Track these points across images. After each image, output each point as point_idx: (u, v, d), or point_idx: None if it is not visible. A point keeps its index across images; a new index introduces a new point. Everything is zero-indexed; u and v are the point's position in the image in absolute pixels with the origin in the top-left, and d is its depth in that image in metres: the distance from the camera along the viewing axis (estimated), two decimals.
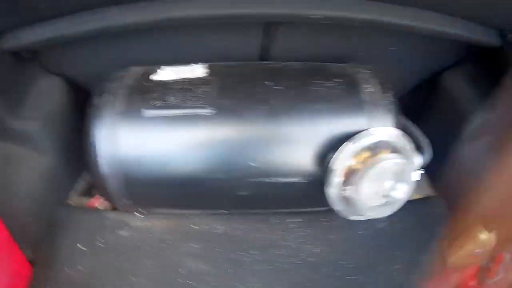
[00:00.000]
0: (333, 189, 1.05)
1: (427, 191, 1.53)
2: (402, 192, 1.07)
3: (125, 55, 1.37)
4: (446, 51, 1.42)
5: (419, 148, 1.17)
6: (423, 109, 1.57)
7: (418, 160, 1.12)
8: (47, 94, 1.34)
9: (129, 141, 1.10)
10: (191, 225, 1.32)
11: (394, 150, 1.04)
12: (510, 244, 1.22)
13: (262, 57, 1.41)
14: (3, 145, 1.22)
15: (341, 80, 1.16)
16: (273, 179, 1.12)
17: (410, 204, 1.44)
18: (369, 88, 1.15)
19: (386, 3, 1.17)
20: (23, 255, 1.22)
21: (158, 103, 1.11)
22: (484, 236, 1.21)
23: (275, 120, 1.10)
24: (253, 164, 1.10)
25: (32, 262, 1.25)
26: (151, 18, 1.14)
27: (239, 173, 1.11)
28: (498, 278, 1.22)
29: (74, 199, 1.46)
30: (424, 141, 1.18)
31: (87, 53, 1.35)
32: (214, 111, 1.09)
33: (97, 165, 1.11)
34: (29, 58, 1.29)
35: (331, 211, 1.36)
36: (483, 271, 1.19)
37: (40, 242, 1.29)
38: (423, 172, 1.16)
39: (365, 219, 1.13)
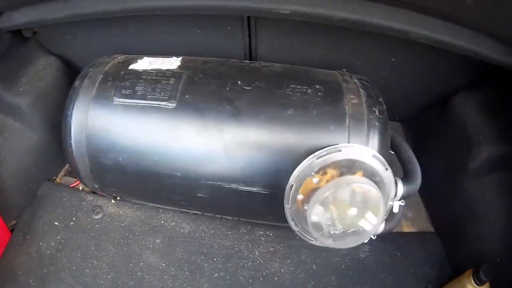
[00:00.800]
0: (290, 207, 0.96)
1: (424, 226, 1.37)
2: (370, 224, 0.94)
3: (117, 43, 1.39)
4: (460, 71, 1.26)
5: (407, 175, 1.04)
6: (430, 135, 1.41)
7: (399, 188, 0.99)
8: (43, 72, 1.41)
9: (97, 125, 1.11)
10: (160, 220, 1.32)
11: (367, 173, 0.93)
12: None
13: (249, 57, 1.35)
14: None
15: (321, 87, 1.07)
16: (232, 185, 1.06)
17: (401, 238, 1.32)
18: (354, 100, 1.04)
19: (397, 7, 1.04)
20: (4, 222, 1.29)
21: (127, 92, 1.10)
22: None
23: (237, 122, 1.04)
24: (210, 166, 1.05)
25: (11, 230, 1.33)
26: (140, 5, 1.14)
27: (195, 173, 1.07)
28: None
29: (60, 178, 1.52)
30: (415, 168, 1.05)
31: (84, 37, 1.40)
32: (174, 105, 1.06)
33: (70, 146, 1.13)
34: (29, 38, 1.36)
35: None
36: None
37: (22, 213, 1.36)
38: (403, 204, 1.03)
39: (331, 245, 1.01)
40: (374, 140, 1.00)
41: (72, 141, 1.13)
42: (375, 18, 1.04)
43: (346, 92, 1.07)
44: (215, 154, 1.05)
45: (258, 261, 1.23)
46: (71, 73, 1.45)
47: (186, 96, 1.07)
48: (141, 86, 1.10)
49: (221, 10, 1.09)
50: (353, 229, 0.94)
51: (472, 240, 1.19)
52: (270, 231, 1.29)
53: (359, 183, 0.91)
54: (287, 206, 0.98)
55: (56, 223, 1.33)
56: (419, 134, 1.45)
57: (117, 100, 1.09)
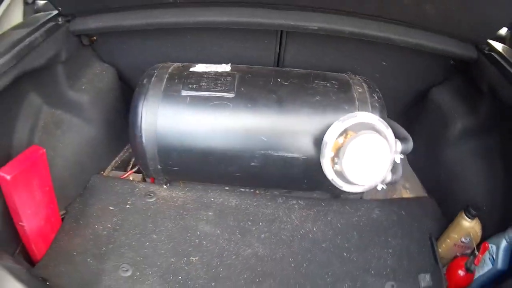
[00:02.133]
0: (326, 160, 1.33)
1: (420, 192, 1.76)
2: (383, 167, 1.32)
3: (163, 54, 1.72)
4: (435, 69, 1.73)
5: (402, 139, 1.43)
6: (416, 123, 1.86)
7: (398, 144, 1.38)
8: (100, 75, 1.70)
9: (166, 114, 1.42)
10: (210, 198, 1.59)
11: (375, 130, 1.33)
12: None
13: (277, 64, 1.77)
14: (57, 111, 1.54)
15: (336, 82, 1.52)
16: (279, 153, 1.43)
17: (403, 201, 1.70)
18: (359, 89, 1.50)
19: (369, 20, 1.52)
20: (58, 209, 1.47)
21: (193, 86, 1.44)
22: (467, 223, 1.44)
23: (281, 106, 1.44)
24: (264, 139, 1.41)
25: (62, 218, 1.50)
26: (185, 20, 1.51)
27: (252, 145, 1.43)
28: None
29: (108, 172, 1.75)
30: (406, 133, 1.45)
31: (133, 49, 1.73)
32: (233, 95, 1.43)
33: (140, 132, 1.42)
34: (87, 46, 1.66)
35: (330, 198, 1.63)
36: (471, 260, 1.37)
37: (72, 202, 1.56)
38: (403, 157, 1.42)
39: (354, 190, 1.38)
40: (376, 114, 1.41)
41: (143, 128, 1.42)
42: (372, 31, 1.52)
43: (353, 85, 1.52)
44: (265, 130, 1.43)
45: (295, 224, 1.53)
46: (122, 80, 1.74)
47: (242, 88, 1.44)
48: (204, 82, 1.45)
49: (265, 25, 1.52)
50: (373, 172, 1.33)
51: (459, 196, 1.57)
52: (301, 200, 1.62)
53: (370, 135, 1.31)
54: (323, 159, 1.34)
55: (111, 208, 1.54)
56: (409, 125, 1.89)
57: (185, 93, 1.42)
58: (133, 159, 1.81)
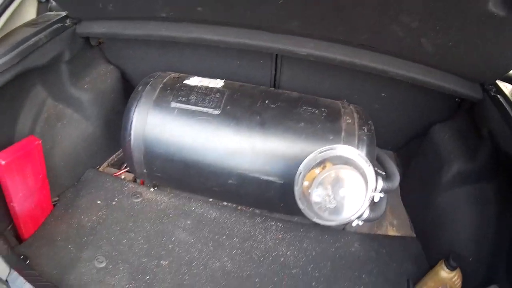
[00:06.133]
0: (298, 188, 1.42)
1: (407, 231, 1.81)
2: (357, 204, 1.39)
3: (165, 63, 1.91)
4: (437, 106, 1.77)
5: (387, 176, 1.48)
6: (414, 159, 1.90)
7: (379, 183, 1.43)
8: (104, 76, 1.91)
9: (154, 123, 1.59)
10: (191, 207, 1.75)
11: (354, 165, 1.39)
12: None
13: (273, 85, 1.89)
14: (60, 106, 1.75)
15: (325, 109, 1.59)
16: (256, 175, 1.54)
17: (385, 239, 1.76)
18: (348, 120, 1.55)
19: (362, 50, 1.58)
20: (50, 195, 1.68)
21: (182, 99, 1.60)
22: (446, 274, 1.48)
23: (264, 129, 1.54)
24: (240, 159, 1.54)
25: (53, 205, 1.72)
26: (181, 35, 1.67)
27: (230, 164, 1.55)
28: None
29: (103, 168, 1.96)
30: (393, 171, 1.49)
31: (141, 54, 1.92)
32: (219, 112, 1.56)
33: (130, 136, 1.60)
34: (94, 47, 1.87)
35: (310, 225, 1.72)
36: None
37: (65, 191, 1.77)
38: (383, 195, 1.46)
39: (324, 223, 1.45)
40: (362, 149, 1.49)
41: (132, 132, 1.60)
42: (363, 61, 1.58)
43: (343, 115, 1.59)
44: (245, 150, 1.55)
45: (268, 245, 1.65)
46: (125, 82, 1.95)
47: (228, 107, 1.58)
48: (193, 96, 1.60)
49: (259, 48, 1.64)
50: (342, 205, 1.39)
51: (445, 242, 1.61)
52: (280, 222, 1.73)
53: (346, 169, 1.37)
54: (296, 187, 1.43)
55: (98, 202, 1.75)
56: (406, 159, 1.93)
57: (174, 104, 1.59)
58: None
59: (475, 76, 1.57)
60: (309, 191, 1.41)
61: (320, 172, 1.41)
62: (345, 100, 1.71)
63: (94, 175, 1.86)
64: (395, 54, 1.56)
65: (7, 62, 1.38)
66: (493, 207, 1.51)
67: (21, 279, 1.17)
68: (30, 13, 1.61)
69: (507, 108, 1.44)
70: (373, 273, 1.61)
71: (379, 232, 1.80)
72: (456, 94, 1.61)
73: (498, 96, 1.52)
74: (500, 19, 1.22)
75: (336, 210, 1.39)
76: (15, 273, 1.18)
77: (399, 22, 1.35)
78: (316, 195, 1.38)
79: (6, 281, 1.15)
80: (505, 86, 1.56)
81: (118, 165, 2.00)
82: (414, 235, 1.80)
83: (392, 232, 1.80)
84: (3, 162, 1.40)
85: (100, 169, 1.94)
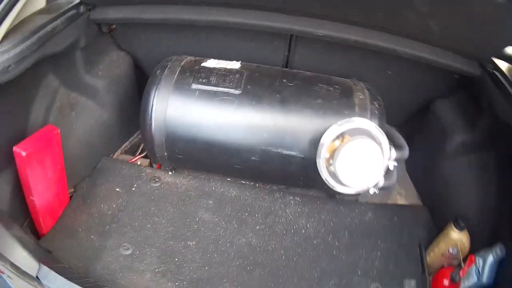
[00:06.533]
0: (321, 160, 1.52)
1: (414, 200, 1.94)
2: (376, 172, 1.51)
3: (178, 47, 1.94)
4: (439, 82, 1.90)
5: (397, 147, 1.60)
6: (417, 132, 2.04)
7: (392, 152, 1.55)
8: (117, 63, 1.93)
9: (176, 105, 1.64)
10: (211, 187, 1.81)
11: (370, 136, 1.51)
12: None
13: (286, 66, 1.97)
14: (73, 94, 1.75)
15: (339, 87, 1.71)
16: (279, 150, 1.63)
17: (396, 207, 1.87)
18: (360, 96, 1.67)
19: (375, 31, 1.69)
20: (67, 187, 1.68)
21: (203, 80, 1.65)
22: (455, 234, 1.59)
23: (284, 106, 1.63)
24: (265, 135, 1.62)
25: (70, 196, 1.72)
26: (200, 18, 1.72)
27: (253, 141, 1.64)
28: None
29: (117, 156, 1.98)
30: (402, 141, 1.63)
31: (150, 39, 1.94)
32: (240, 92, 1.63)
33: (150, 120, 1.64)
34: (106, 33, 1.88)
35: (325, 198, 1.81)
36: (456, 271, 1.51)
37: (81, 182, 1.78)
38: (396, 164, 1.58)
39: (346, 192, 1.56)
40: (375, 122, 1.59)
41: (153, 115, 1.64)
42: (376, 41, 1.69)
43: (355, 91, 1.70)
44: (267, 127, 1.63)
45: (289, 218, 1.74)
46: (137, 68, 1.97)
47: (248, 86, 1.65)
48: (213, 77, 1.66)
49: (278, 29, 1.72)
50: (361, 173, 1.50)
51: (451, 207, 1.74)
52: (298, 197, 1.82)
53: (364, 140, 1.48)
54: (319, 159, 1.53)
55: (117, 189, 1.77)
56: (410, 134, 2.05)
57: (195, 86, 1.64)
58: (142, 145, 2.04)
59: (474, 54, 1.70)
60: (331, 161, 1.51)
61: (340, 143, 1.51)
62: (354, 78, 1.81)
63: (109, 163, 1.88)
64: (405, 35, 1.67)
65: (27, 49, 1.36)
66: (494, 174, 1.64)
67: (52, 273, 1.14)
68: (39, 1, 1.59)
69: (504, 83, 1.57)
70: (387, 239, 1.71)
71: (389, 201, 1.92)
72: (457, 71, 1.74)
73: (495, 72, 1.65)
74: (499, 3, 1.35)
75: (357, 178, 1.51)
76: (45, 268, 1.14)
77: (412, 7, 1.46)
78: (338, 165, 1.48)
79: (37, 277, 1.12)
80: (501, 63, 1.68)
81: (131, 152, 2.02)
82: (421, 204, 1.93)
83: (401, 201, 1.93)
84: (23, 154, 1.38)
85: (114, 157, 1.96)
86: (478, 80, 1.73)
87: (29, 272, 1.09)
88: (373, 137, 1.51)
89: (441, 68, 1.74)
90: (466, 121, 1.79)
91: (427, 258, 1.67)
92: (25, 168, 1.41)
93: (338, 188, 1.56)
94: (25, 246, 1.14)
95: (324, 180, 1.56)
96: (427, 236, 1.74)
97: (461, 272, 1.50)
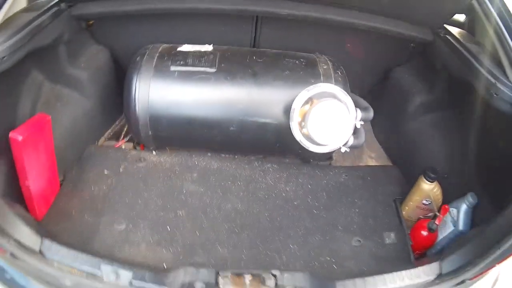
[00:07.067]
0: (294, 123, 1.70)
1: (384, 161, 2.12)
2: (345, 130, 1.69)
3: (154, 37, 2.07)
4: (397, 51, 2.12)
5: (363, 109, 1.78)
6: (380, 99, 2.23)
7: (358, 112, 1.73)
8: (97, 55, 2.05)
9: (157, 87, 1.78)
10: (194, 162, 1.94)
11: (336, 99, 1.68)
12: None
13: (253, 46, 2.16)
14: (58, 86, 1.85)
15: (304, 60, 1.90)
16: (254, 119, 1.80)
17: (368, 168, 2.04)
18: (324, 66, 1.87)
19: (332, 7, 1.88)
20: (57, 173, 1.76)
21: (180, 62, 1.80)
22: (427, 185, 1.73)
23: (256, 79, 1.81)
24: (239, 106, 1.79)
25: (60, 183, 1.79)
26: (173, 6, 1.88)
27: (230, 112, 1.80)
28: None
29: (102, 143, 2.09)
30: (366, 104, 1.83)
31: (127, 32, 2.09)
32: (215, 70, 1.80)
33: (134, 102, 1.77)
34: (84, 29, 2.01)
35: (301, 163, 1.97)
36: (433, 221, 1.63)
37: (70, 169, 1.87)
38: (363, 123, 1.76)
39: (319, 151, 1.74)
40: (340, 87, 1.77)
41: (137, 98, 1.76)
42: (334, 16, 1.89)
43: (319, 63, 1.89)
44: (242, 99, 1.79)
45: (269, 184, 1.89)
46: (115, 60, 2.12)
47: (222, 64, 1.82)
48: (190, 59, 1.82)
49: (242, 11, 1.89)
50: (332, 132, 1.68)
51: (420, 164, 1.89)
52: (275, 164, 1.98)
53: (331, 101, 1.66)
54: (292, 123, 1.71)
55: (106, 172, 1.86)
56: (374, 101, 2.23)
57: (174, 68, 1.79)
58: (124, 130, 2.16)
59: (426, 22, 1.91)
60: (303, 124, 1.67)
61: (309, 107, 1.68)
62: (317, 53, 2.00)
63: (95, 149, 1.98)
64: (359, 8, 1.88)
65: (19, 41, 1.45)
66: (456, 128, 1.83)
67: (55, 245, 1.19)
68: (21, 1, 1.70)
69: (456, 44, 1.77)
70: (364, 197, 1.86)
71: (361, 164, 2.09)
72: (411, 39, 1.96)
73: (447, 36, 1.86)
74: None
75: (328, 136, 1.68)
76: (47, 241, 1.20)
77: None
78: (310, 126, 1.65)
79: (40, 251, 1.17)
80: (453, 29, 1.90)
81: (115, 138, 2.14)
82: (391, 164, 2.10)
83: (372, 163, 2.10)
84: (20, 138, 1.43)
85: (98, 144, 2.06)
86: (432, 45, 1.93)
87: (33, 247, 1.16)
88: (338, 99, 1.68)
89: (397, 38, 1.93)
90: (424, 83, 1.99)
91: (403, 212, 1.79)
92: (21, 153, 1.46)
93: (312, 148, 1.72)
94: (27, 222, 1.22)
95: (299, 141, 1.72)
96: (400, 192, 1.89)
97: (437, 220, 1.62)
